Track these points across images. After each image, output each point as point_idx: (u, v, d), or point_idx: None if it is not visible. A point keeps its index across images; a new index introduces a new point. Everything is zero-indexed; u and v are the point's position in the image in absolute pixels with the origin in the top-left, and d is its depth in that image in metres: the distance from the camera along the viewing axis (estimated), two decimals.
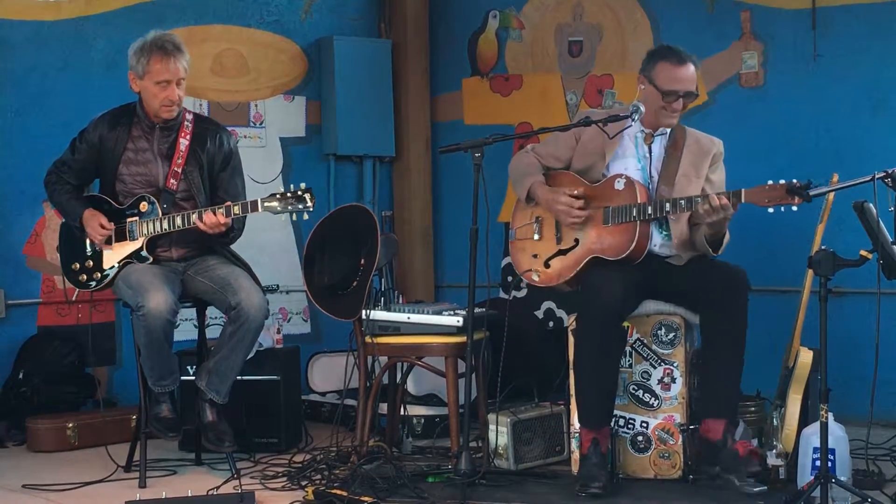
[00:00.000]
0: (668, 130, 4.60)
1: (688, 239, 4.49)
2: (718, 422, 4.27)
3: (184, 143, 4.82)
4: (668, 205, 4.36)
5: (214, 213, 4.61)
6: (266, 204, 4.55)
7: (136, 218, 4.76)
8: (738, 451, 4.19)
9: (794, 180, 4.07)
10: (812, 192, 4.00)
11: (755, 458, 4.18)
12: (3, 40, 5.72)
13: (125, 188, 4.82)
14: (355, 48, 6.73)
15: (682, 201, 4.33)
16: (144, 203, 4.77)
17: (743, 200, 4.22)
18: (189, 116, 4.88)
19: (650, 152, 4.59)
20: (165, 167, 4.80)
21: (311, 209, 4.56)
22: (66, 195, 4.86)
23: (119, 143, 4.80)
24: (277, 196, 4.54)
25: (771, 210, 4.15)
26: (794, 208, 4.11)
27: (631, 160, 4.60)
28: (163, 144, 4.83)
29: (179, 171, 4.80)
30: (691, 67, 4.53)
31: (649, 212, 4.38)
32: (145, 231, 4.74)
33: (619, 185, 4.49)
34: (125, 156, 4.80)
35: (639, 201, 4.42)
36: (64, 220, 4.94)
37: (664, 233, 4.51)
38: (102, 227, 4.74)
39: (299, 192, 4.53)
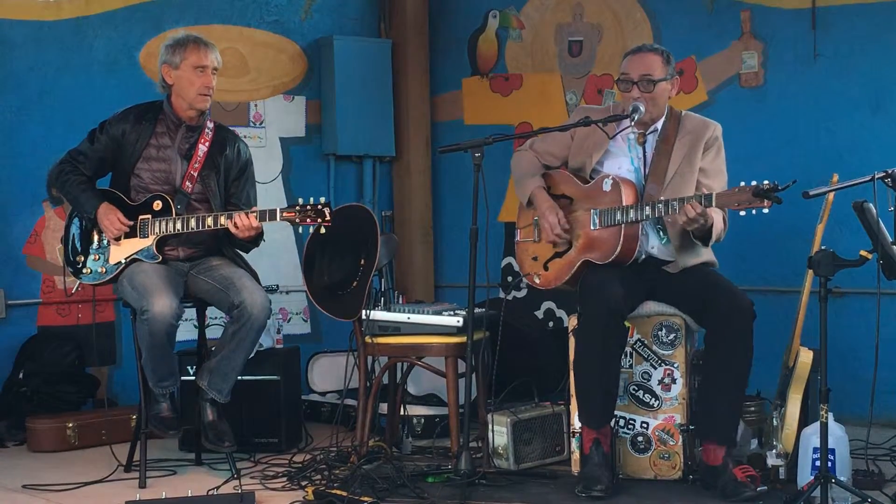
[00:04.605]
0: (660, 125, 4.54)
1: (688, 240, 4.40)
2: (720, 448, 4.26)
3: (203, 148, 4.83)
4: (647, 208, 4.29)
5: (247, 216, 4.60)
6: (285, 214, 4.54)
7: (149, 216, 4.75)
8: (735, 476, 4.17)
9: (765, 181, 3.97)
10: (812, 193, 3.95)
11: (749, 482, 4.14)
12: (3, 40, 5.72)
13: (140, 183, 4.81)
14: (355, 48, 6.73)
15: (660, 205, 4.26)
16: (158, 202, 4.75)
17: (714, 205, 4.15)
18: (210, 125, 4.90)
19: (644, 152, 4.52)
20: (183, 167, 4.81)
21: (329, 224, 4.52)
22: (80, 185, 4.80)
23: (142, 139, 4.79)
24: (297, 208, 4.52)
25: (742, 213, 4.09)
26: (766, 211, 4.02)
27: (624, 159, 4.55)
28: (184, 145, 4.83)
29: (195, 174, 4.80)
30: (648, 55, 4.47)
31: (631, 215, 4.33)
32: (157, 230, 4.72)
33: (607, 186, 4.45)
34: (147, 152, 4.80)
35: (624, 203, 4.37)
36: (72, 211, 4.90)
37: (663, 237, 4.46)
38: (121, 222, 4.72)
39: (319, 206, 4.51)
